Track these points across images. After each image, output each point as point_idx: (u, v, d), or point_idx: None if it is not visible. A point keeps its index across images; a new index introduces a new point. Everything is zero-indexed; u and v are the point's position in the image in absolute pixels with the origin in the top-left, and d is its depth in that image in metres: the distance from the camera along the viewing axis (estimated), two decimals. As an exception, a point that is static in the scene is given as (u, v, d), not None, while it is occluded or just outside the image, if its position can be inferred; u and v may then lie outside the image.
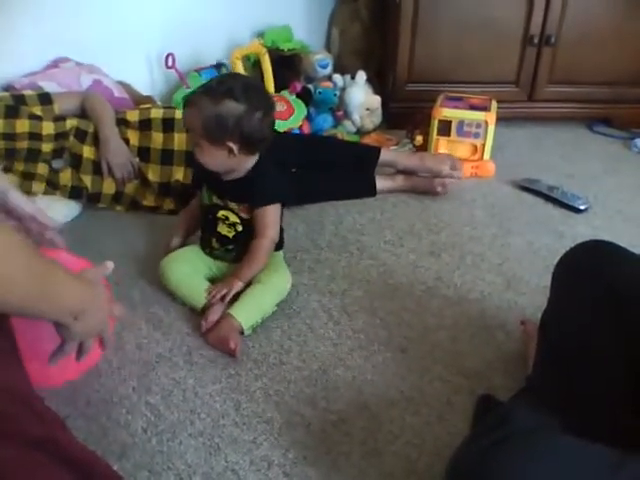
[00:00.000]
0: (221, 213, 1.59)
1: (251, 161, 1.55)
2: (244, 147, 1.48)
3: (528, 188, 2.12)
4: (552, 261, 1.24)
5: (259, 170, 1.56)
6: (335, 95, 2.50)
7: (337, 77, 2.56)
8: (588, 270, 1.09)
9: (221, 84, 1.47)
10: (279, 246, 1.66)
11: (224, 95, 1.43)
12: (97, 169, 1.94)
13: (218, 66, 2.48)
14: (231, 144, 1.46)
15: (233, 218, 1.59)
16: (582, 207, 2.00)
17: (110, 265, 1.10)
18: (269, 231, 1.56)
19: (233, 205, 1.58)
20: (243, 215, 1.58)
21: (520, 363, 1.37)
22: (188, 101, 1.49)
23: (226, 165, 1.51)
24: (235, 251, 1.62)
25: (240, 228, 1.59)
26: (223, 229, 1.60)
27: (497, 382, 1.35)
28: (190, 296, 1.56)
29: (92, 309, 0.96)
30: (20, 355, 1.03)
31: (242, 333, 1.47)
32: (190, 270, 1.60)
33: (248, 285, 1.55)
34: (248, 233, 1.59)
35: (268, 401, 1.30)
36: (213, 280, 1.62)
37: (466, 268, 1.72)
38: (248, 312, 1.49)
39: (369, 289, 1.64)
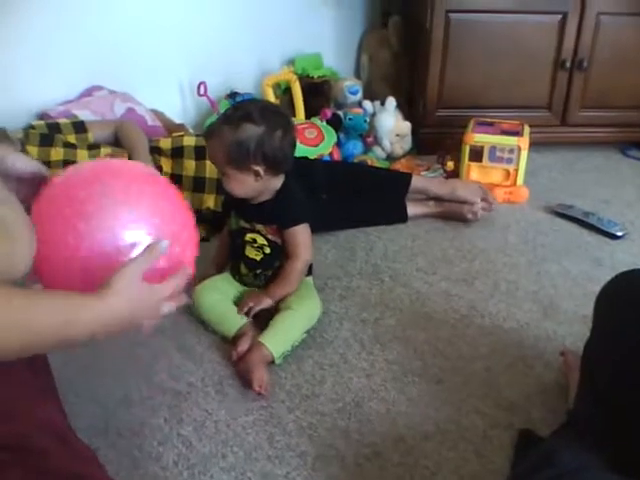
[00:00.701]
0: (249, 236, 1.60)
1: (278, 182, 1.55)
2: (269, 168, 1.49)
3: (562, 214, 2.08)
4: (590, 289, 1.21)
5: (285, 191, 1.56)
6: (365, 121, 2.49)
7: (367, 103, 2.56)
8: (633, 301, 1.05)
9: (237, 110, 1.50)
10: (308, 272, 1.66)
11: (242, 120, 1.45)
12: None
13: (232, 95, 2.48)
14: (256, 167, 1.47)
15: (260, 240, 1.59)
16: (619, 233, 1.95)
17: (164, 244, 0.89)
18: (301, 251, 1.56)
19: (260, 227, 1.58)
20: (270, 237, 1.58)
21: (560, 396, 1.34)
22: (208, 133, 1.52)
23: (254, 189, 1.52)
24: (263, 276, 1.61)
25: (268, 250, 1.58)
26: (251, 252, 1.60)
27: (536, 415, 1.31)
28: (221, 324, 1.56)
29: (117, 324, 0.84)
30: (54, 386, 1.04)
31: (273, 362, 1.45)
32: (221, 298, 1.60)
33: (277, 312, 1.54)
34: (276, 256, 1.58)
35: (301, 434, 1.28)
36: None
37: (501, 296, 1.68)
38: (279, 340, 1.48)
39: (402, 318, 1.61)
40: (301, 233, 1.56)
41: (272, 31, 2.65)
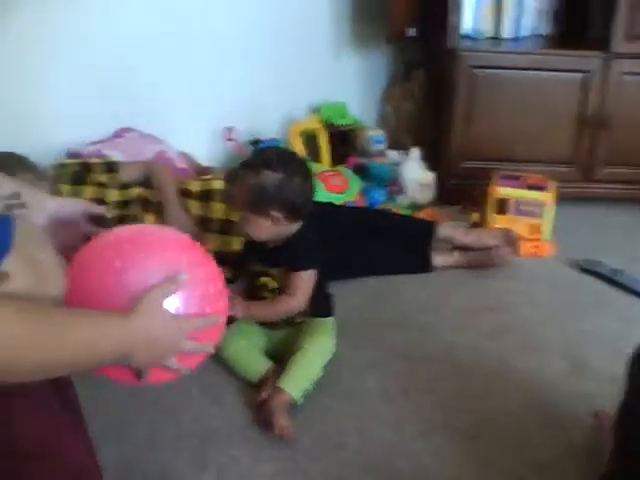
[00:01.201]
0: (262, 280, 1.60)
1: (295, 227, 1.57)
2: (288, 214, 1.51)
3: (590, 270, 2.06)
4: (620, 348, 1.19)
5: (299, 236, 1.58)
6: (389, 170, 2.52)
7: (391, 152, 2.59)
8: None
9: (257, 157, 1.55)
10: (328, 313, 1.67)
11: (262, 166, 1.48)
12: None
13: (255, 142, 2.50)
14: (275, 213, 1.49)
15: (272, 284, 1.60)
16: (647, 292, 1.94)
17: (183, 277, 0.92)
18: (299, 295, 1.55)
19: (273, 271, 1.59)
20: (283, 281, 1.58)
21: (592, 458, 1.30)
22: (229, 177, 1.55)
23: (272, 234, 1.54)
24: (281, 320, 1.61)
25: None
26: (266, 296, 1.61)
27: (568, 477, 1.28)
28: (246, 370, 1.55)
29: (143, 346, 0.87)
30: (85, 424, 1.02)
31: (295, 403, 1.44)
32: (246, 344, 1.59)
33: (292, 354, 1.54)
34: None
35: (329, 487, 1.25)
36: (271, 354, 1.60)
37: (530, 352, 1.66)
38: (296, 381, 1.47)
39: (430, 369, 1.59)
40: (305, 278, 1.56)
41: (299, 79, 2.70)
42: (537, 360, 1.62)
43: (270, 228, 1.52)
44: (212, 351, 1.00)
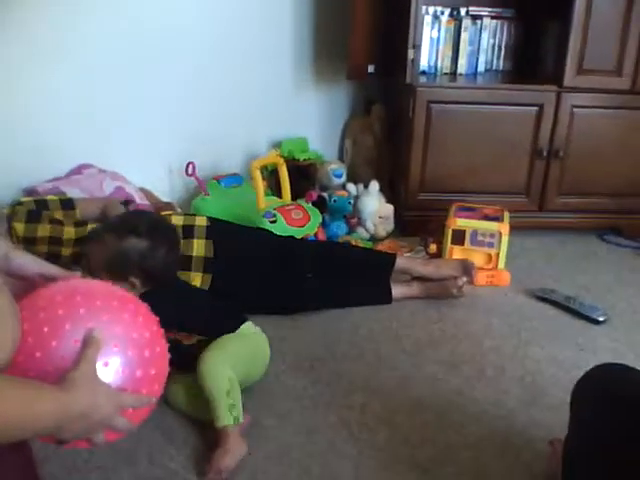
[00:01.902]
0: None
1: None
2: (146, 281, 1.52)
3: (545, 298, 2.11)
4: (575, 375, 1.22)
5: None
6: (349, 203, 2.55)
7: (351, 186, 2.62)
8: (608, 398, 1.06)
9: (126, 222, 1.55)
10: (237, 325, 1.61)
11: (127, 232, 1.50)
12: None
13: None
14: (133, 279, 1.50)
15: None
16: (601, 319, 1.98)
17: (96, 333, 0.89)
18: None
19: None
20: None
21: (550, 486, 1.32)
22: (92, 235, 1.55)
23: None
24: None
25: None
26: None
27: (526, 506, 1.29)
28: (197, 411, 1.51)
29: (75, 420, 0.83)
30: (35, 470, 1.00)
31: (238, 422, 1.39)
32: (186, 391, 1.54)
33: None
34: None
35: (288, 525, 1.24)
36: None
37: (487, 381, 1.68)
38: (222, 409, 1.39)
39: (389, 402, 1.59)
40: None
41: (260, 116, 2.74)
42: (494, 390, 1.64)
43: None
44: (135, 426, 0.95)
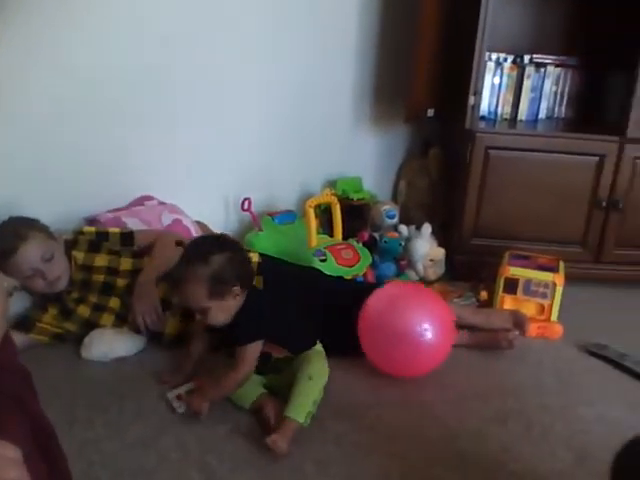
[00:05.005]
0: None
1: (243, 298, 1.65)
2: (243, 285, 1.62)
3: (597, 354, 2.05)
4: (626, 436, 1.16)
5: (244, 308, 1.65)
6: (400, 245, 2.54)
7: (403, 227, 2.62)
8: None
9: (196, 250, 1.62)
10: (311, 344, 1.77)
11: (207, 254, 1.56)
12: (164, 307, 1.94)
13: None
14: (236, 289, 1.59)
15: None
16: (655, 379, 1.91)
17: None
18: (243, 366, 1.63)
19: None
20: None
21: None
22: (179, 279, 1.60)
23: (234, 310, 1.63)
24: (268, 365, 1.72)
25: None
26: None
27: None
28: (239, 395, 1.66)
29: None
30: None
31: (302, 425, 1.55)
32: None
33: (295, 380, 1.63)
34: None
35: None
36: (271, 388, 1.71)
37: (534, 439, 1.63)
38: (301, 407, 1.57)
39: (430, 454, 1.57)
40: (249, 350, 1.63)
41: (316, 154, 2.79)
42: (540, 448, 1.60)
43: (233, 306, 1.62)
44: None
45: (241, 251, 1.66)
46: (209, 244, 1.63)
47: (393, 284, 2.16)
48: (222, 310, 1.61)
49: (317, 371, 1.67)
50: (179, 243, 1.73)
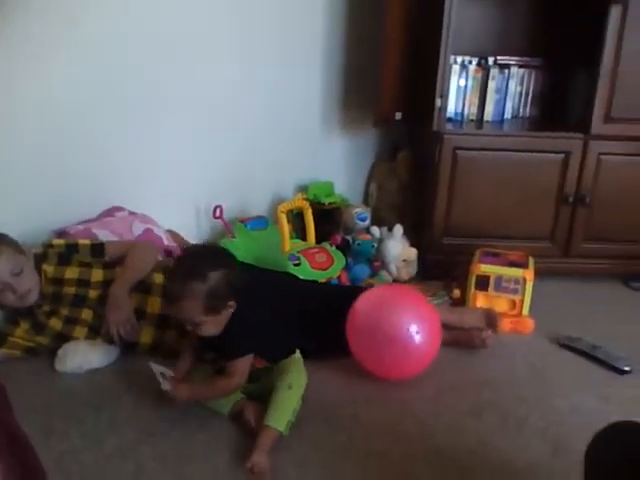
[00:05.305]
0: (219, 364, 1.73)
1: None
2: (237, 298, 1.62)
3: (569, 346, 2.08)
4: (600, 426, 1.19)
5: (233, 320, 1.64)
6: (373, 247, 2.57)
7: (375, 229, 2.64)
8: (623, 459, 1.04)
9: (193, 265, 1.59)
10: (291, 352, 1.78)
11: (205, 271, 1.55)
12: (138, 317, 1.93)
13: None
14: (231, 302, 1.60)
15: None
16: (626, 368, 1.95)
17: None
18: (236, 377, 1.64)
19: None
20: None
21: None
22: (176, 295, 1.57)
23: (225, 321, 1.63)
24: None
25: None
26: None
27: None
28: (217, 402, 1.68)
29: None
30: None
31: (282, 434, 1.55)
32: None
33: (274, 389, 1.63)
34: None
35: None
36: (249, 395, 1.71)
37: (510, 431, 1.66)
38: (281, 415, 1.57)
39: (409, 449, 1.58)
40: (240, 364, 1.64)
41: (287, 159, 2.80)
42: (516, 440, 1.62)
43: (225, 318, 1.62)
44: None
45: (236, 265, 1.64)
46: (206, 259, 1.60)
47: (381, 286, 2.20)
48: (216, 324, 1.61)
49: (296, 380, 1.67)
50: (169, 253, 1.72)
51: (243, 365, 1.64)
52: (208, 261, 1.58)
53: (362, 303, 1.90)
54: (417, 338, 1.79)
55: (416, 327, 1.79)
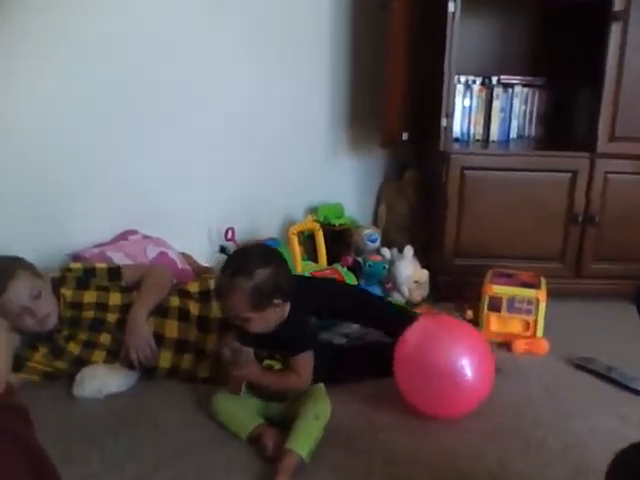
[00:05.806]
0: (266, 363, 1.71)
1: (287, 308, 1.68)
2: (286, 297, 1.64)
3: (585, 367, 2.08)
4: (618, 447, 1.19)
5: (292, 317, 1.68)
6: (384, 268, 2.58)
7: (385, 251, 2.65)
8: None
9: (239, 261, 1.64)
10: (319, 380, 1.76)
11: (251, 268, 1.59)
12: (156, 342, 1.93)
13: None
14: (277, 301, 1.61)
15: (277, 366, 1.71)
16: (642, 389, 1.96)
17: None
18: (304, 375, 1.68)
19: (277, 354, 1.70)
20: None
21: None
22: (221, 292, 1.63)
23: (276, 320, 1.65)
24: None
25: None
26: None
27: None
28: (237, 426, 1.67)
29: None
30: None
31: (304, 462, 1.54)
32: (239, 402, 1.70)
33: (298, 416, 1.62)
34: None
35: None
36: (269, 418, 1.70)
37: (529, 454, 1.66)
38: (304, 442, 1.57)
39: (429, 475, 1.57)
40: (306, 359, 1.67)
41: (297, 181, 2.82)
42: (536, 463, 1.62)
43: (274, 316, 1.64)
44: None
45: (285, 266, 1.67)
46: (255, 257, 1.64)
47: (430, 317, 2.09)
48: (263, 320, 1.63)
49: (323, 411, 1.67)
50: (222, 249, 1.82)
51: (305, 362, 1.67)
52: (257, 259, 1.62)
53: (412, 334, 1.83)
54: (469, 375, 1.70)
55: (468, 363, 1.70)
